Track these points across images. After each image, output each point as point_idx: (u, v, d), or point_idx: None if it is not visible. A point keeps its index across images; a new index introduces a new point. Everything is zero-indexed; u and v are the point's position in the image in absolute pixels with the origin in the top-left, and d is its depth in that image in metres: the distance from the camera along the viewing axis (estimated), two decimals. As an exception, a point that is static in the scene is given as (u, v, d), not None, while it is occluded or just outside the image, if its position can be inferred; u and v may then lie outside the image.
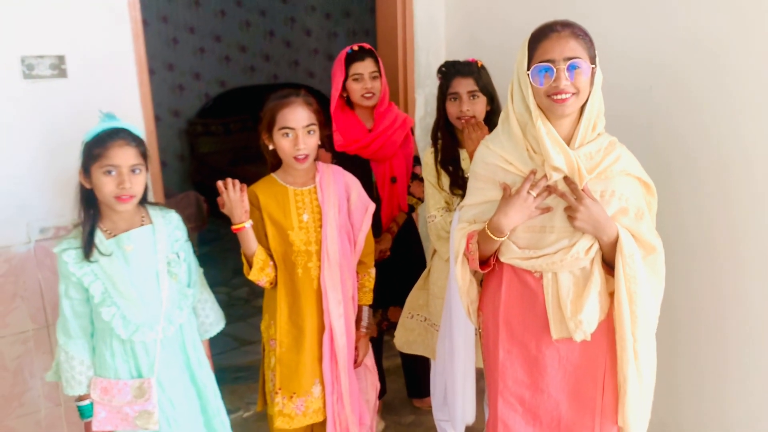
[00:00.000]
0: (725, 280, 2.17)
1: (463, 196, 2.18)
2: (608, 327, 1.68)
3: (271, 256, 2.04)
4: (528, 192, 1.61)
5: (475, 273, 1.85)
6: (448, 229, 2.28)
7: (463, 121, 2.26)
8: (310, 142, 1.97)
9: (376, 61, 2.52)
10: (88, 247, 1.77)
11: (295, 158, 1.97)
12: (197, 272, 2.03)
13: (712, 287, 2.22)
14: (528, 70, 1.57)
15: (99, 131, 1.77)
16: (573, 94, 1.54)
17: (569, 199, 1.59)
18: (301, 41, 7.88)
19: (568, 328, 1.64)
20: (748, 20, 1.98)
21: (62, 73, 2.26)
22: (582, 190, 1.58)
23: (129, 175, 1.76)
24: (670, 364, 2.38)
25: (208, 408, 2.02)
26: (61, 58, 2.25)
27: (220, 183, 1.92)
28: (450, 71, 2.30)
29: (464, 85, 2.26)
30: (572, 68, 1.52)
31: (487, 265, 1.75)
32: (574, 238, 1.62)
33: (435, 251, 2.43)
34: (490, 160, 1.71)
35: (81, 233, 1.80)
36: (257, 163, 2.13)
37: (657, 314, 1.72)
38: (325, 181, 2.07)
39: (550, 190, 1.62)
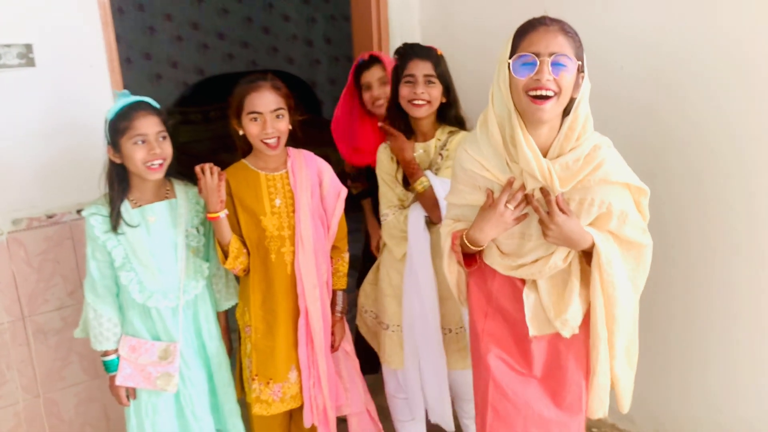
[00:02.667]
0: (719, 275, 2.20)
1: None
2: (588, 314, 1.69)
3: (243, 243, 2.05)
4: (505, 205, 1.57)
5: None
6: (402, 228, 2.20)
7: (413, 104, 2.13)
8: (279, 126, 1.97)
9: (384, 68, 2.48)
10: (115, 220, 1.89)
11: (264, 143, 1.97)
12: (215, 248, 2.08)
13: (706, 282, 2.24)
14: (510, 59, 1.48)
15: (121, 107, 1.87)
16: (555, 93, 1.45)
17: (542, 213, 1.54)
18: (279, 27, 7.81)
19: (549, 327, 1.66)
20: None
21: (30, 62, 2.23)
22: (556, 202, 1.52)
23: (157, 142, 1.87)
24: (663, 358, 2.41)
25: (214, 378, 2.11)
26: (28, 47, 2.22)
27: (198, 168, 1.92)
28: (408, 53, 2.17)
29: (421, 68, 2.12)
30: (557, 65, 1.43)
31: (473, 262, 1.75)
32: (551, 247, 1.60)
33: (386, 245, 2.33)
34: (468, 166, 1.65)
35: (108, 201, 1.92)
36: (237, 151, 2.13)
37: (636, 306, 1.69)
38: (297, 165, 2.07)
39: (527, 200, 1.57)
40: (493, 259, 1.69)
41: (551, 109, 1.47)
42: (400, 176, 2.21)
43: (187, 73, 7.16)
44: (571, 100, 1.50)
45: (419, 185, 2.12)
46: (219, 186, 1.92)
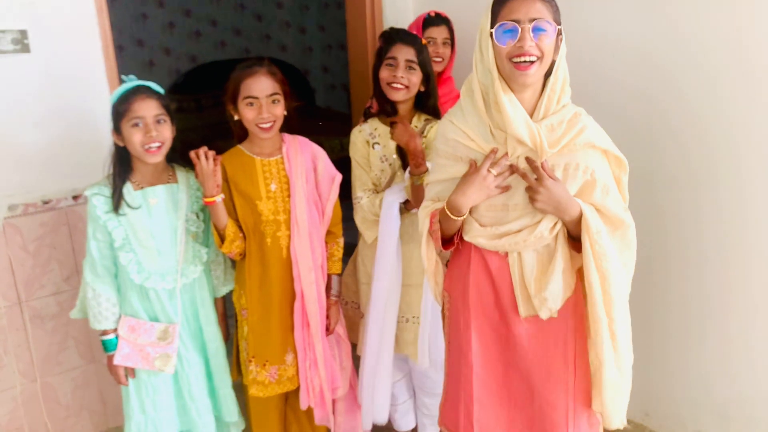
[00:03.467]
0: (712, 258, 2.23)
1: (403, 164, 2.17)
2: (575, 304, 1.65)
3: (240, 228, 2.07)
4: (488, 170, 1.57)
5: (440, 254, 1.82)
6: (375, 212, 2.20)
7: (392, 87, 2.13)
8: (275, 110, 1.99)
9: (450, 29, 2.57)
10: (117, 201, 1.92)
11: (260, 127, 1.99)
12: (213, 234, 2.10)
13: (691, 268, 2.28)
14: (491, 29, 1.50)
15: (122, 91, 1.92)
16: (537, 58, 1.48)
17: (530, 179, 1.54)
18: (272, 14, 7.78)
19: (531, 306, 1.63)
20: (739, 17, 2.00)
21: (25, 48, 2.24)
22: (543, 168, 1.53)
23: (154, 125, 1.90)
24: (655, 343, 2.45)
25: (210, 363, 2.14)
26: (23, 33, 2.23)
27: (193, 153, 1.94)
28: (392, 36, 2.18)
29: (404, 53, 2.13)
30: (537, 30, 1.47)
31: (451, 243, 1.73)
32: (537, 216, 1.58)
33: (360, 234, 2.31)
34: (451, 135, 1.66)
35: (111, 182, 1.95)
36: (230, 138, 2.14)
37: (629, 289, 1.67)
38: (292, 151, 2.09)
39: (512, 169, 1.57)
40: (474, 233, 1.65)
41: (535, 73, 1.51)
42: (397, 163, 2.20)
43: (179, 61, 7.13)
44: (552, 63, 1.54)
45: (422, 179, 2.09)
46: (215, 171, 1.95)
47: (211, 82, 6.85)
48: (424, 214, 1.75)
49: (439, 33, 2.55)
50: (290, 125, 2.09)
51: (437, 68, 2.52)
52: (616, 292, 1.58)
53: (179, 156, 2.06)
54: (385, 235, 2.17)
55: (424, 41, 2.21)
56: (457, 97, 2.35)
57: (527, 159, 1.55)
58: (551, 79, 1.54)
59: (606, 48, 2.34)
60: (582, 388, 1.68)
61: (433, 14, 2.57)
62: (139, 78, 1.97)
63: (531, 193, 1.55)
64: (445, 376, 1.87)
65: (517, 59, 1.48)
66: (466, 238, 1.68)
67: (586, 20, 2.36)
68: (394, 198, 2.17)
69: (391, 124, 2.16)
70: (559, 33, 1.53)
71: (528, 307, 1.63)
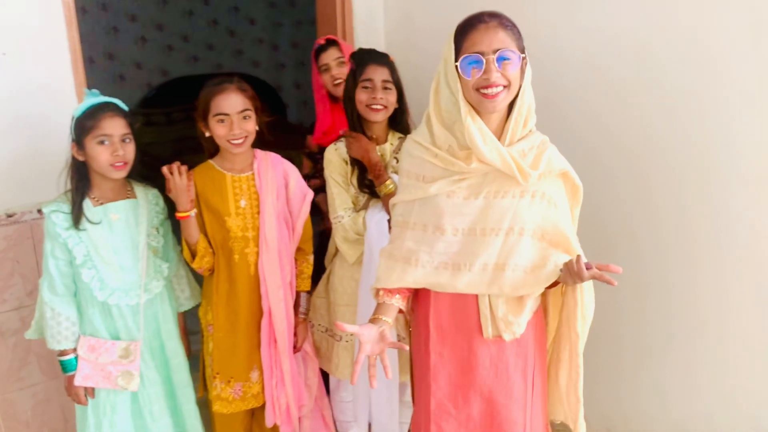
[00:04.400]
0: (673, 275, 2.27)
1: (370, 194, 2.20)
2: (536, 323, 1.70)
3: (210, 243, 2.06)
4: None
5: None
6: (357, 230, 2.18)
7: (372, 109, 2.15)
8: (246, 126, 2.00)
9: (340, 49, 2.57)
10: (77, 216, 1.88)
11: (231, 143, 1.99)
12: (175, 249, 2.11)
13: (657, 280, 2.31)
14: (456, 62, 1.52)
15: (89, 105, 1.89)
16: (504, 87, 1.50)
17: (596, 275, 1.49)
18: (245, 30, 7.80)
19: (498, 329, 1.64)
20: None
21: (-9, 60, 2.21)
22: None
23: (121, 144, 1.88)
24: (615, 360, 2.47)
25: (173, 378, 2.11)
26: (-10, 45, 2.20)
27: (165, 168, 1.94)
28: (364, 58, 2.19)
29: (379, 74, 2.15)
30: (502, 59, 1.49)
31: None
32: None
33: (335, 254, 2.31)
34: (416, 153, 1.67)
35: (70, 198, 1.92)
36: (201, 153, 2.14)
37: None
38: (263, 167, 2.10)
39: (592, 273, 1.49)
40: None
41: (503, 100, 1.53)
42: (355, 180, 2.20)
43: (151, 75, 7.10)
44: (519, 88, 1.57)
45: (387, 187, 2.14)
46: (189, 186, 1.94)
47: (182, 97, 6.83)
48: (382, 262, 1.72)
49: (329, 57, 2.55)
50: (263, 140, 2.10)
51: (339, 90, 2.48)
52: (588, 314, 1.66)
53: (148, 170, 2.05)
54: (377, 253, 2.14)
55: (391, 58, 2.24)
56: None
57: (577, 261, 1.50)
58: (518, 102, 1.57)
59: (601, 46, 2.36)
60: (538, 403, 1.73)
61: (323, 41, 2.59)
62: (110, 91, 1.96)
63: (572, 279, 1.53)
64: (413, 399, 1.87)
65: (485, 90, 1.51)
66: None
67: (581, 18, 2.38)
68: (382, 215, 2.17)
69: (343, 137, 2.19)
70: (524, 59, 1.55)
71: (494, 328, 1.65)
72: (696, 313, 2.25)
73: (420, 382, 1.78)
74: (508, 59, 1.50)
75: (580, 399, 1.74)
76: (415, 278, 1.65)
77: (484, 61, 1.49)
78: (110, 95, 1.97)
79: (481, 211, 1.60)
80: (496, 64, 1.49)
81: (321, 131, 2.59)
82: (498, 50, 1.49)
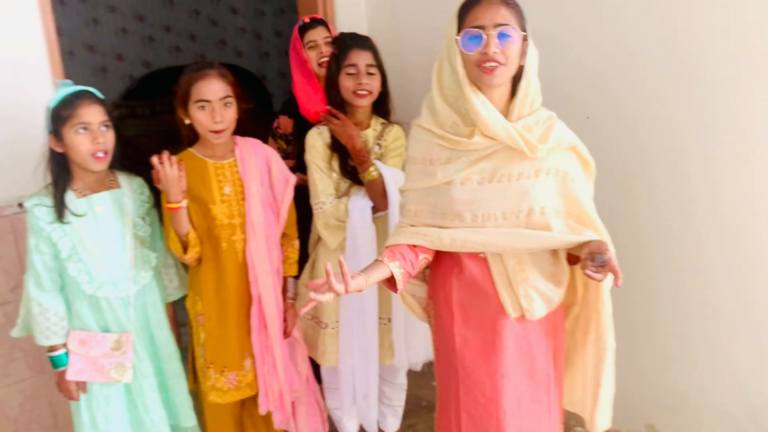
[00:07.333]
0: (663, 268, 2.29)
1: (353, 180, 2.18)
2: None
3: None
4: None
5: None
6: (339, 217, 2.17)
7: (357, 95, 2.13)
8: (227, 114, 1.97)
9: (328, 29, 2.56)
10: (59, 209, 1.85)
11: (213, 131, 1.96)
12: (160, 238, 2.07)
13: (649, 274, 2.33)
14: (457, 36, 1.53)
15: (64, 95, 1.84)
16: (502, 64, 1.50)
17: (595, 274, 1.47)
18: (227, 20, 7.74)
19: (521, 307, 1.63)
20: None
21: (-34, 53, 2.18)
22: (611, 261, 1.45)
23: (100, 132, 1.84)
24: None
25: (164, 368, 2.09)
26: (-37, 37, 2.16)
27: (155, 159, 1.90)
28: (347, 42, 2.16)
29: (363, 58, 2.12)
30: (502, 36, 1.49)
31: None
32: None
33: (318, 240, 2.29)
34: (421, 137, 1.67)
35: (51, 192, 1.87)
36: (183, 141, 2.11)
37: None
38: (245, 153, 2.07)
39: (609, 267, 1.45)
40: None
41: (500, 76, 1.52)
42: (336, 165, 2.19)
43: (133, 66, 7.03)
44: (520, 68, 1.56)
45: (370, 174, 2.13)
46: (180, 176, 1.91)
47: (165, 88, 6.75)
48: (394, 236, 1.71)
49: (318, 34, 2.53)
50: (243, 128, 2.07)
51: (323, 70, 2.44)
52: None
53: (132, 162, 2.02)
54: (361, 240, 2.16)
55: (372, 41, 2.21)
56: None
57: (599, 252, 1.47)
58: (522, 83, 1.56)
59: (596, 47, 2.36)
60: (557, 382, 1.73)
61: (307, 20, 2.56)
62: (91, 84, 1.92)
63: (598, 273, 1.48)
64: (437, 387, 1.84)
65: (484, 65, 1.50)
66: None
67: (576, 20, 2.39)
68: (366, 202, 2.16)
69: (324, 117, 2.16)
70: (525, 38, 1.54)
71: (516, 307, 1.64)
72: (682, 295, 2.27)
73: (448, 372, 1.75)
74: (508, 36, 1.49)
75: (603, 385, 1.71)
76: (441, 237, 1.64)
77: (485, 36, 1.49)
78: (93, 87, 1.94)
79: (496, 195, 1.59)
80: (497, 40, 1.48)
81: (314, 106, 2.48)
82: (499, 25, 1.49)
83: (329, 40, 2.50)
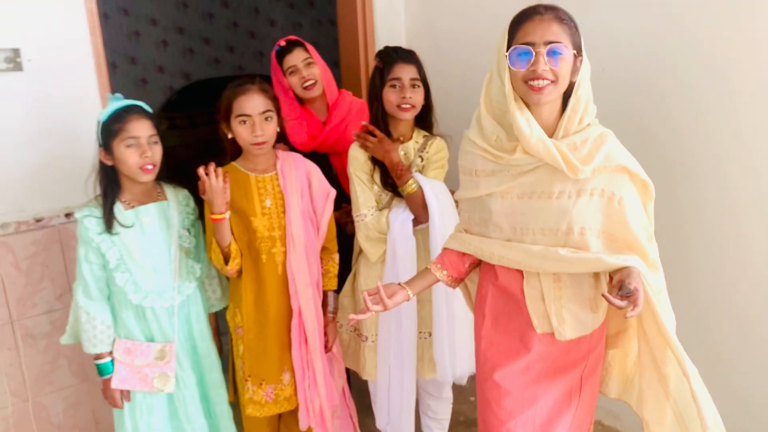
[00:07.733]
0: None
1: (393, 193, 2.18)
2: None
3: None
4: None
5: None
6: (380, 229, 2.17)
7: (401, 108, 2.13)
8: (268, 128, 1.99)
9: (306, 50, 2.46)
10: (108, 220, 1.90)
11: (253, 144, 1.98)
12: (204, 250, 2.10)
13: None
14: (506, 52, 1.48)
15: (114, 109, 1.89)
16: (551, 81, 1.46)
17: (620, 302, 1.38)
18: (265, 32, 7.85)
19: (550, 324, 1.60)
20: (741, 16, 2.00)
21: (18, 67, 2.24)
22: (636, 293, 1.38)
23: (149, 145, 1.89)
24: None
25: (206, 379, 2.12)
26: (16, 51, 2.23)
27: (201, 170, 1.91)
28: (392, 56, 2.15)
29: (407, 72, 2.12)
30: (553, 54, 1.44)
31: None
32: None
33: (361, 252, 2.27)
34: (469, 148, 1.66)
35: (100, 203, 1.93)
36: (225, 155, 2.14)
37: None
38: (287, 167, 2.09)
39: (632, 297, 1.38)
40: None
41: (549, 94, 1.48)
42: (378, 178, 2.19)
43: (173, 78, 7.17)
44: (571, 83, 1.52)
45: (410, 186, 2.12)
46: (225, 188, 1.93)
47: (204, 99, 6.89)
48: (448, 239, 1.80)
49: (296, 58, 2.43)
50: (285, 140, 2.09)
51: (314, 92, 2.44)
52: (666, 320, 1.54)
53: (171, 172, 2.05)
54: (401, 253, 2.16)
55: (417, 55, 2.21)
56: (361, 105, 2.54)
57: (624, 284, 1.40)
58: (572, 99, 1.52)
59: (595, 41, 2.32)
60: (581, 413, 1.66)
61: (283, 43, 2.48)
62: (132, 95, 1.96)
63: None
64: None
65: (532, 82, 1.47)
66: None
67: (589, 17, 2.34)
68: (407, 215, 2.16)
69: (357, 137, 2.17)
70: (577, 55, 1.50)
71: (543, 324, 1.60)
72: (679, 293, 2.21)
73: (482, 382, 1.73)
74: (559, 53, 1.45)
75: (703, 409, 1.51)
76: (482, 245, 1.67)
77: (534, 53, 1.45)
78: (133, 99, 1.98)
79: (535, 211, 1.56)
80: (546, 57, 1.45)
81: (302, 139, 2.47)
82: (550, 43, 1.45)
83: (310, 61, 2.44)
